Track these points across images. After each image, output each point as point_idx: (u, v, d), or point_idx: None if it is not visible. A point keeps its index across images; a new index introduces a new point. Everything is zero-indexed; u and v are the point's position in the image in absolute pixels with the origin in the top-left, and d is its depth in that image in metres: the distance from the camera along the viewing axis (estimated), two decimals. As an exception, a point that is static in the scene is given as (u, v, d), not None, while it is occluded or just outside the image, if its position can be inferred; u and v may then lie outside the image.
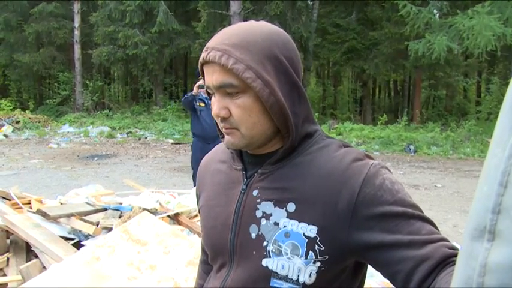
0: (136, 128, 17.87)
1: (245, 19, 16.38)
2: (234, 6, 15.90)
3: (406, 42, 15.07)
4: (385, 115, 17.79)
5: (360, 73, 23.01)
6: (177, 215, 3.65)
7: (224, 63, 0.87)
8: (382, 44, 19.47)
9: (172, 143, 14.86)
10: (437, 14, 15.66)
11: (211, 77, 0.90)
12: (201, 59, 0.92)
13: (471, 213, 0.45)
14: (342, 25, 20.76)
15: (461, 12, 13.47)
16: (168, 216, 3.56)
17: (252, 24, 0.96)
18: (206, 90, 0.97)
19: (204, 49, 0.92)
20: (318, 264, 0.89)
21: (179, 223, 3.63)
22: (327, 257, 0.89)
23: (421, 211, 0.88)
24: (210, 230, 1.06)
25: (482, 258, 0.42)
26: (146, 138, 16.19)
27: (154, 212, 3.51)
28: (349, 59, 21.14)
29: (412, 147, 13.61)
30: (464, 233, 0.47)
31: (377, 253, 0.85)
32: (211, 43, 0.92)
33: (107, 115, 19.94)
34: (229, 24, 14.02)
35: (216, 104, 0.92)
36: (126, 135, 16.65)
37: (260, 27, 0.94)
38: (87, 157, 11.71)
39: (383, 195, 0.86)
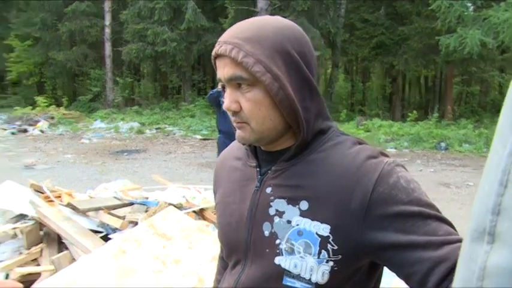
0: (165, 123, 18.06)
1: (272, 15, 16.29)
2: (261, 3, 15.87)
3: (437, 37, 14.72)
4: (415, 111, 17.43)
5: (389, 69, 22.61)
6: (202, 210, 3.71)
7: (234, 57, 0.88)
8: (412, 39, 19.04)
9: (200, 139, 14.98)
10: (472, 7, 15.23)
11: (223, 70, 0.91)
12: (213, 53, 0.93)
13: (472, 214, 0.44)
14: (371, 20, 20.40)
15: (496, 5, 13.06)
16: (194, 211, 3.62)
17: (265, 18, 0.96)
18: (221, 85, 0.97)
19: (217, 43, 0.93)
20: (331, 263, 0.88)
21: (204, 218, 3.69)
22: (340, 256, 0.88)
23: (438, 211, 0.86)
24: (225, 227, 1.07)
25: (482, 261, 0.40)
26: (175, 134, 16.36)
27: (179, 207, 3.57)
28: (378, 54, 20.77)
29: (443, 144, 13.31)
30: (465, 234, 0.45)
31: (392, 253, 0.84)
32: (223, 37, 0.93)
33: (137, 111, 20.22)
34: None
35: (228, 98, 0.93)
36: (155, 131, 16.85)
37: (273, 22, 0.94)
38: (118, 152, 11.95)
39: (398, 194, 0.84)
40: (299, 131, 0.93)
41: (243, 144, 1.06)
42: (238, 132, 0.96)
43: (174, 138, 15.27)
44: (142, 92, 26.40)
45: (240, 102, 0.92)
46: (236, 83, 0.91)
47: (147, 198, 3.85)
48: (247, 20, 0.96)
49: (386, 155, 0.94)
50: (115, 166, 9.78)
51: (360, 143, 0.96)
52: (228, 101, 0.93)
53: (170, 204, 3.47)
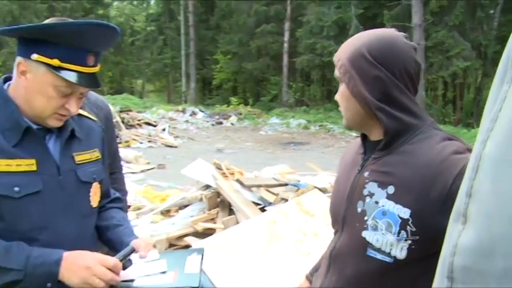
0: (327, 122, 18.01)
1: (425, 30, 14.88)
2: (416, 19, 14.53)
3: None
4: None
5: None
6: (343, 195, 3.62)
7: (334, 61, 1.01)
8: None
9: (355, 136, 14.53)
10: None
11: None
12: None
13: (457, 196, 0.41)
14: (525, 31, 16.87)
15: None
16: (335, 195, 3.56)
17: (372, 31, 1.00)
18: None
19: None
20: (409, 242, 0.86)
21: (344, 203, 3.60)
22: (418, 237, 0.85)
23: None
24: (333, 201, 1.13)
25: (455, 239, 0.39)
26: (334, 131, 16.21)
27: (324, 190, 3.55)
28: (531, 63, 17.10)
29: None
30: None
31: None
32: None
33: (305, 110, 20.62)
34: (411, 35, 12.96)
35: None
36: (318, 128, 16.96)
37: (368, 33, 0.98)
38: (286, 143, 12.41)
39: None
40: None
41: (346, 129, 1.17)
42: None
43: (333, 135, 15.18)
44: (311, 95, 26.83)
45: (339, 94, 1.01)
46: (337, 80, 1.01)
47: (299, 181, 3.93)
48: (362, 32, 1.03)
49: None
50: (282, 154, 10.19)
51: (450, 139, 0.90)
52: (337, 94, 1.03)
53: (316, 187, 3.48)
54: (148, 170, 7.93)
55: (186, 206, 4.03)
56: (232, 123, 17.97)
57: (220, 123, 17.93)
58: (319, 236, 2.82)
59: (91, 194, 1.23)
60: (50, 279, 0.99)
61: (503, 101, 0.36)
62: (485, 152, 0.36)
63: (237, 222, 3.22)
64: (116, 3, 37.69)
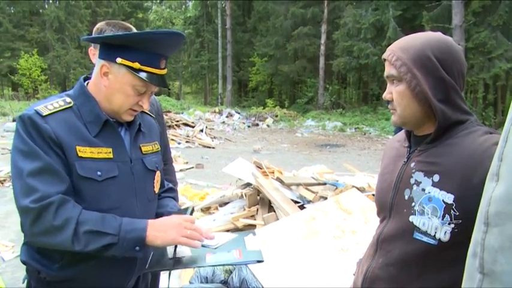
0: (363, 124, 17.79)
1: (466, 31, 14.36)
2: (456, 20, 14.03)
3: None
4: None
5: None
6: (381, 196, 3.62)
7: (390, 60, 1.02)
8: None
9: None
10: None
11: (386, 69, 1.05)
12: (382, 56, 1.08)
13: (492, 162, 0.53)
14: None
15: None
16: (373, 194, 3.59)
17: (424, 33, 1.04)
18: None
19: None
20: (452, 225, 0.93)
21: (382, 203, 3.60)
22: (461, 221, 0.92)
23: None
24: (379, 190, 1.18)
25: (490, 193, 0.50)
26: (370, 133, 16.02)
27: (362, 190, 3.59)
28: None
29: None
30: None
31: None
32: (391, 45, 1.06)
33: (341, 113, 20.43)
34: (450, 36, 12.52)
35: (386, 90, 1.06)
36: (354, 130, 16.80)
37: (426, 35, 1.01)
38: (322, 145, 12.38)
39: None
40: (436, 119, 0.99)
41: (395, 126, 1.16)
42: (392, 117, 1.08)
43: (369, 137, 14.97)
44: (347, 97, 26.53)
45: (392, 93, 1.04)
46: (391, 79, 1.03)
47: (337, 180, 3.98)
48: (412, 34, 1.06)
49: None
50: (318, 156, 10.18)
51: (491, 133, 0.97)
52: (385, 92, 1.06)
53: (354, 186, 3.53)
54: (187, 169, 8.14)
55: (225, 203, 4.16)
56: (268, 125, 18.07)
57: (256, 124, 18.07)
58: (357, 233, 2.87)
59: (155, 181, 1.39)
60: (139, 243, 1.15)
61: None
62: None
63: (277, 219, 3.30)
64: (154, 7, 38.93)
